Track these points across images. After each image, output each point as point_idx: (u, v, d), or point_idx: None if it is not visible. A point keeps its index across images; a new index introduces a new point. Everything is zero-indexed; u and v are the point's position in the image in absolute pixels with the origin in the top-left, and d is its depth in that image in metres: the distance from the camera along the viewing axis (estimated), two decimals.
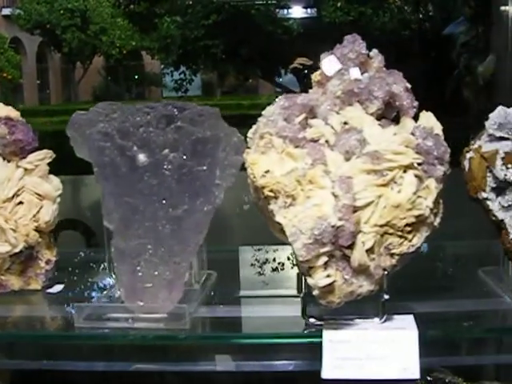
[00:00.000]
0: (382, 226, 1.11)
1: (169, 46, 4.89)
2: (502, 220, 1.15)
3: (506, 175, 1.12)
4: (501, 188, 1.14)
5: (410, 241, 1.14)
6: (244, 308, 1.34)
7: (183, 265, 1.23)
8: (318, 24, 4.36)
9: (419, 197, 1.13)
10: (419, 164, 1.15)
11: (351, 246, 1.10)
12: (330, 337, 1.14)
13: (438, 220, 1.17)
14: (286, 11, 4.65)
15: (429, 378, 1.49)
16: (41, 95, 13.91)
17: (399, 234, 1.13)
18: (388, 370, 1.12)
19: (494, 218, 1.16)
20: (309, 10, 4.43)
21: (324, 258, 1.10)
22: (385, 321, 1.15)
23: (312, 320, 1.15)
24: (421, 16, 4.19)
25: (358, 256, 1.10)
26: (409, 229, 1.13)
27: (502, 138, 1.14)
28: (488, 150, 1.14)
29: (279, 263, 1.47)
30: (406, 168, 1.13)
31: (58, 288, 1.41)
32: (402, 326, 1.15)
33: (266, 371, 1.27)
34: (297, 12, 4.62)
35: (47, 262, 1.43)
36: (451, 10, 3.54)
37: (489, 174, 1.14)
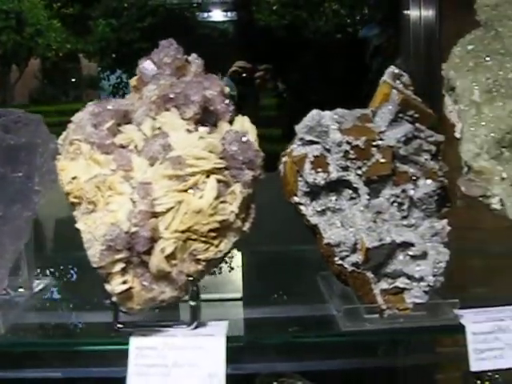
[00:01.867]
0: (183, 231, 1.13)
1: (104, 49, 4.90)
2: (316, 225, 1.17)
3: (315, 179, 1.14)
4: (314, 192, 1.17)
5: (217, 246, 1.16)
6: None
7: (1, 271, 1.24)
8: (254, 27, 4.38)
9: (224, 202, 1.15)
10: (226, 169, 1.17)
11: (150, 252, 1.11)
12: (136, 343, 1.15)
13: (247, 225, 1.19)
14: (222, 14, 4.67)
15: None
16: None
17: (203, 239, 1.14)
18: (194, 376, 1.13)
19: (307, 223, 1.18)
20: (244, 14, 4.46)
21: (120, 265, 1.11)
22: (196, 327, 1.17)
23: (120, 326, 1.16)
24: (357, 19, 4.22)
25: (155, 262, 1.11)
26: (213, 234, 1.15)
27: (311, 142, 1.16)
28: (298, 154, 1.16)
29: None
30: (209, 173, 1.15)
31: None
32: (212, 333, 1.16)
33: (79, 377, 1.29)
34: (232, 15, 4.64)
35: None
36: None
37: (300, 179, 1.16)
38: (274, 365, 1.39)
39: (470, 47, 1.33)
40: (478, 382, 1.60)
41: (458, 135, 1.25)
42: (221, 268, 1.51)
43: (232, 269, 1.51)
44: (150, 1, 4.98)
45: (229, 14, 4.86)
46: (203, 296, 1.18)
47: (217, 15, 5.04)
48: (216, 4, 4.98)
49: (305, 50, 4.28)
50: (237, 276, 1.47)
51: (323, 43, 4.40)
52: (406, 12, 2.56)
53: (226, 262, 1.57)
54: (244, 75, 4.56)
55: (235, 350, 1.17)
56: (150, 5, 5.08)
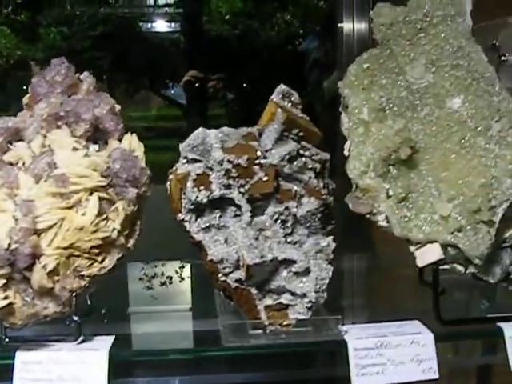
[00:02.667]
0: (65, 248, 1.16)
1: (55, 57, 4.91)
2: (200, 241, 1.20)
3: (197, 197, 1.17)
4: (199, 210, 1.20)
5: (101, 262, 1.19)
6: None
7: None
8: (205, 37, 4.42)
9: (107, 219, 1.18)
10: (110, 186, 1.20)
11: (32, 269, 1.14)
12: (22, 358, 1.17)
13: (131, 241, 1.23)
14: (172, 24, 4.70)
15: None
16: None
17: (86, 256, 1.17)
18: None
19: (192, 240, 1.21)
20: (196, 23, 4.49)
21: (1, 281, 1.14)
22: (82, 342, 1.19)
23: (7, 340, 1.18)
24: (307, 31, 4.28)
25: (37, 278, 1.14)
26: (96, 251, 1.18)
27: (194, 160, 1.19)
28: (181, 172, 1.19)
29: None
30: (92, 191, 1.18)
31: None
32: (96, 348, 1.19)
33: None
34: (184, 24, 4.67)
35: None
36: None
37: (184, 196, 1.19)
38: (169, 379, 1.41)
39: (365, 65, 1.37)
40: None
41: (346, 153, 1.28)
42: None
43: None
44: (101, 9, 5.00)
45: (180, 23, 4.91)
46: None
47: (168, 24, 5.08)
48: (167, 14, 5.03)
49: (254, 60, 4.33)
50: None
51: (272, 54, 4.45)
52: (340, 25, 2.62)
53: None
54: (197, 85, 4.60)
55: (124, 365, 1.20)
56: (101, 13, 5.10)
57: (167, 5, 5.10)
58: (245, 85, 4.28)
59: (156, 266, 1.70)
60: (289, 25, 4.62)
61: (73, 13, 5.15)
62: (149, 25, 5.26)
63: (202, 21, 4.72)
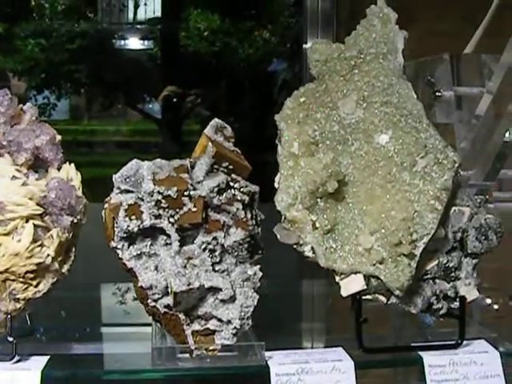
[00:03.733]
0: (1, 272, 1.24)
1: (32, 69, 5.01)
2: (132, 268, 1.28)
3: (128, 226, 1.25)
4: (131, 238, 1.28)
5: (36, 286, 1.28)
6: None
7: None
8: (183, 53, 4.52)
9: (42, 245, 1.27)
10: (46, 214, 1.28)
11: None
12: None
13: (66, 267, 1.31)
14: (150, 40, 4.81)
15: None
16: None
17: (22, 280, 1.26)
18: None
19: (124, 267, 1.29)
20: (173, 39, 4.60)
21: None
22: (18, 361, 1.27)
23: None
24: (285, 48, 4.39)
25: None
26: (31, 275, 1.27)
27: (127, 191, 1.28)
28: (114, 202, 1.28)
29: None
30: (28, 218, 1.26)
31: None
32: (30, 367, 1.27)
33: None
34: (161, 40, 4.79)
35: None
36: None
37: (116, 225, 1.27)
38: None
39: (302, 99, 1.46)
40: None
41: (276, 185, 1.37)
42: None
43: None
44: (80, 23, 5.10)
45: (158, 39, 5.02)
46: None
47: (146, 40, 5.19)
48: (146, 29, 5.14)
49: (229, 77, 4.45)
50: None
51: (249, 72, 4.56)
52: (304, 46, 2.71)
53: None
54: (174, 100, 4.70)
55: None
56: (80, 27, 5.20)
57: (145, 21, 5.21)
58: (217, 102, 4.38)
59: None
60: (267, 43, 4.74)
61: (51, 26, 5.26)
62: (127, 40, 5.36)
63: (179, 37, 4.82)
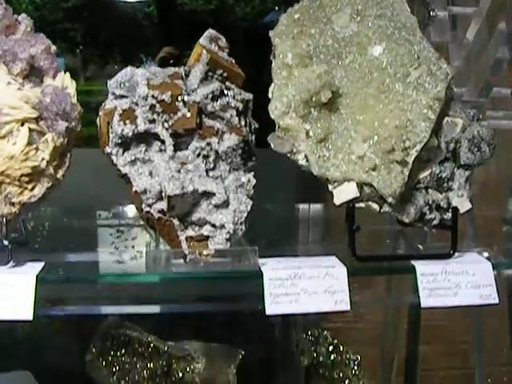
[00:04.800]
0: None
1: None
2: (126, 174, 1.31)
3: (123, 130, 1.29)
4: (126, 144, 1.31)
5: (31, 190, 1.31)
6: None
7: None
8: (180, 11, 4.52)
9: (37, 149, 1.30)
10: (41, 119, 1.32)
11: None
12: None
13: (60, 172, 1.35)
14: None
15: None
16: None
17: (17, 183, 1.29)
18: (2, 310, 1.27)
19: (119, 172, 1.33)
20: None
21: None
22: (14, 266, 1.31)
23: None
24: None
25: None
26: (27, 179, 1.30)
27: (121, 96, 1.31)
28: (108, 107, 1.31)
29: None
30: (23, 122, 1.29)
31: None
32: (24, 272, 1.30)
33: None
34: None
35: None
36: None
37: (111, 130, 1.31)
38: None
39: (296, 16, 1.48)
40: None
41: (270, 95, 1.40)
42: None
43: None
44: None
45: None
46: None
47: None
48: None
49: (226, 36, 4.45)
50: None
51: (244, 30, 4.56)
52: None
53: None
54: (171, 61, 4.72)
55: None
56: None
57: None
58: None
59: None
60: (264, 1, 4.74)
61: None
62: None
63: None
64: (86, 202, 1.87)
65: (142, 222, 1.42)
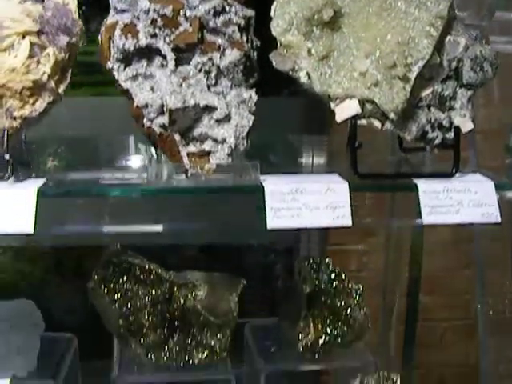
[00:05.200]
0: None
1: None
2: (128, 89, 1.32)
3: (124, 45, 1.29)
4: (127, 59, 1.31)
5: (33, 104, 1.32)
6: None
7: None
8: None
9: (38, 62, 1.31)
10: (43, 33, 1.32)
11: None
12: None
13: (62, 87, 1.35)
14: None
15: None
16: None
17: (19, 97, 1.30)
18: (4, 224, 1.28)
19: (120, 88, 1.33)
20: None
21: None
22: (17, 181, 1.32)
23: None
24: None
25: None
26: (28, 93, 1.31)
27: (122, 11, 1.31)
28: (110, 22, 1.31)
29: None
30: (24, 35, 1.30)
31: None
32: (25, 186, 1.32)
33: None
34: None
35: None
36: None
37: (113, 45, 1.31)
38: None
39: None
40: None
41: (272, 13, 1.40)
42: None
43: None
44: None
45: None
46: None
47: None
48: None
49: None
50: None
51: None
52: None
53: None
54: None
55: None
56: None
57: None
58: None
59: None
60: None
61: None
62: None
63: None
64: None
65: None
